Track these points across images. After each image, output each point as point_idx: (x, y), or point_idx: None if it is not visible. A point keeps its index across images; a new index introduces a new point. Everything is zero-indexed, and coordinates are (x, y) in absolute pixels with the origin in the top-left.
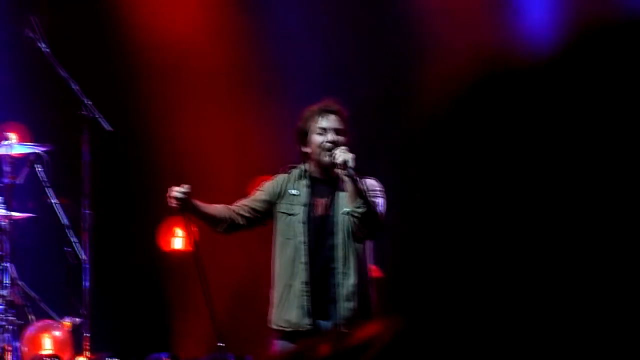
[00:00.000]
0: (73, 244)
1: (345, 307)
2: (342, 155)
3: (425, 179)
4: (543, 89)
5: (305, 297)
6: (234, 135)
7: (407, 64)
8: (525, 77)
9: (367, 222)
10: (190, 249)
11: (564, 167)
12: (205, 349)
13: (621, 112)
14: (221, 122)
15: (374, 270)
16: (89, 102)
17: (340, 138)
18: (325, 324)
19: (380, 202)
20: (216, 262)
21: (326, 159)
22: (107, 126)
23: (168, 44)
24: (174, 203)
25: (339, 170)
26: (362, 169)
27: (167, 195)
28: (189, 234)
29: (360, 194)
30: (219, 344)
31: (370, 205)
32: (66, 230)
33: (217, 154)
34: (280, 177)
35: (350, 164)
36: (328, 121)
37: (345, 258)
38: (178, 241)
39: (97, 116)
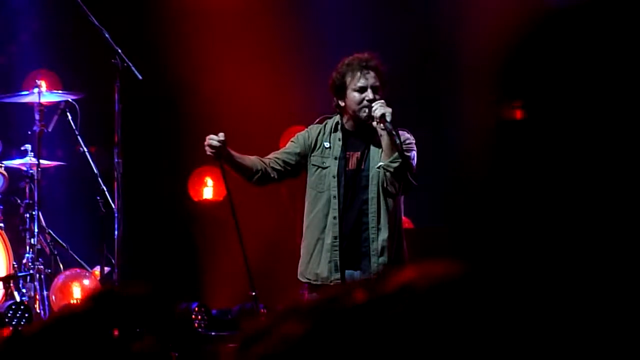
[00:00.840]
0: (103, 192)
1: (377, 261)
2: (380, 109)
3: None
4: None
5: (336, 252)
6: (267, 84)
7: (445, 24)
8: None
9: (400, 177)
10: (224, 197)
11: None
12: (235, 299)
13: None
14: (254, 71)
15: (405, 222)
16: (120, 51)
17: (378, 96)
18: (355, 274)
19: (412, 155)
20: (248, 213)
21: (364, 115)
22: (138, 74)
23: None
24: (209, 151)
25: (375, 124)
26: (396, 121)
27: (205, 143)
28: (223, 182)
29: (397, 148)
30: (251, 293)
31: (404, 160)
32: (97, 179)
33: (250, 103)
34: (313, 129)
35: (388, 117)
36: (367, 78)
37: (378, 212)
38: (208, 191)
39: (128, 64)
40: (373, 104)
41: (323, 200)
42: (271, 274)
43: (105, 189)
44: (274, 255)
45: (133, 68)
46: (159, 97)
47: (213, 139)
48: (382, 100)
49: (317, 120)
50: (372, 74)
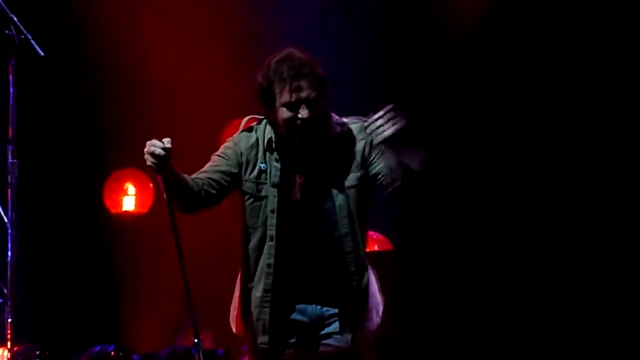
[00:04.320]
0: None
1: (349, 316)
2: (387, 131)
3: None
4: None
5: (265, 309)
6: (205, 69)
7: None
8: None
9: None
10: (148, 209)
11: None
12: (162, 340)
13: None
14: (187, 50)
15: (384, 242)
16: (16, 19)
17: (315, 112)
18: (293, 342)
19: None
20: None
21: (297, 138)
22: (39, 50)
23: None
24: (150, 161)
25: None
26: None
27: (145, 150)
28: (166, 198)
29: (401, 166)
30: (194, 340)
31: (409, 174)
32: None
33: (181, 87)
34: (242, 141)
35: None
36: (300, 90)
37: (356, 251)
38: (129, 201)
39: (27, 36)
40: (376, 124)
41: (255, 238)
42: (208, 312)
43: None
44: (211, 287)
45: (33, 42)
46: (66, 78)
47: (156, 146)
48: (382, 114)
49: (243, 124)
50: (304, 83)
